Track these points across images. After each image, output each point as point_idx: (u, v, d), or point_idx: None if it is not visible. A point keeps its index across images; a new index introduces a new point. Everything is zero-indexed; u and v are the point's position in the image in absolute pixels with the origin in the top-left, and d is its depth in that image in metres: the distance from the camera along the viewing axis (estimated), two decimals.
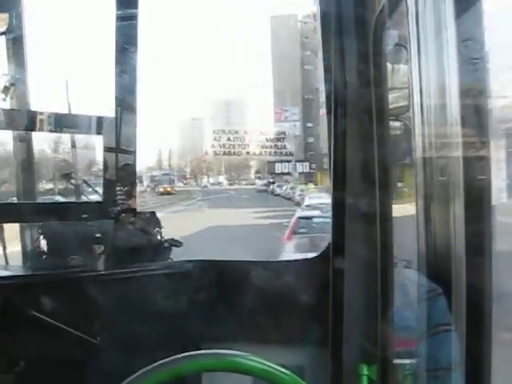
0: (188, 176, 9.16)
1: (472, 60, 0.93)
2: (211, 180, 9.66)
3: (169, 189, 7.96)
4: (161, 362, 1.15)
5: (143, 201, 8.09)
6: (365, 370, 1.29)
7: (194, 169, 9.10)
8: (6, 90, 2.15)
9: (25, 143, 2.21)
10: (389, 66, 1.43)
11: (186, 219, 8.89)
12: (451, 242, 0.99)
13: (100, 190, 1.69)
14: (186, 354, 1.19)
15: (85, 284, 1.55)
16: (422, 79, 1.06)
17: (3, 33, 1.98)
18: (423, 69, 1.06)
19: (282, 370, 1.33)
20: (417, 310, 1.14)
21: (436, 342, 1.09)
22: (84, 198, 2.12)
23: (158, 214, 1.77)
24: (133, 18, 1.63)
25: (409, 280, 1.23)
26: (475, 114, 0.99)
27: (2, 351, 1.39)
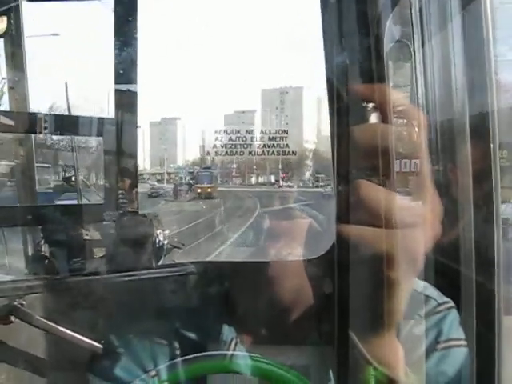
0: (234, 174, 7.49)
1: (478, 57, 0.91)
2: (260, 179, 7.86)
3: (209, 189, 5.87)
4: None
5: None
6: (372, 371, 1.28)
7: (240, 166, 7.48)
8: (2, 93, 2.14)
9: (25, 145, 2.20)
10: (390, 62, 1.42)
11: None
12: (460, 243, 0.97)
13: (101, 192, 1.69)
14: (191, 356, 1.19)
15: (86, 287, 1.54)
16: (426, 76, 1.05)
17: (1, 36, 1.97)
18: (427, 66, 1.05)
19: (288, 369, 1.32)
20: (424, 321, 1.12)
21: (443, 357, 1.08)
22: (85, 201, 2.13)
23: None
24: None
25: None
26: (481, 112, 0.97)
27: (5, 357, 1.38)
